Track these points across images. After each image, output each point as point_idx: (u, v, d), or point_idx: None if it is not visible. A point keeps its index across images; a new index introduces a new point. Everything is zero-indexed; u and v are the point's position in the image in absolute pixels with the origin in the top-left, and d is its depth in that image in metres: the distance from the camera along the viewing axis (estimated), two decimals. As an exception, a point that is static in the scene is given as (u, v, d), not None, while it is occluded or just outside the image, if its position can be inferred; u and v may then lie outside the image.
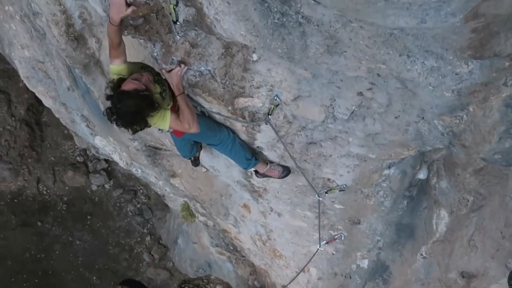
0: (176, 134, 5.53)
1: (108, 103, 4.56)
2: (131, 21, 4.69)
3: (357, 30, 3.53)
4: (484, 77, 3.68)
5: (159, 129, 5.29)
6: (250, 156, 5.94)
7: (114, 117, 4.54)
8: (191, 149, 6.23)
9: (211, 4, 4.13)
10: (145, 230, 14.77)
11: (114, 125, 4.69)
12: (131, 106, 4.44)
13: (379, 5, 2.77)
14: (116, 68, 4.70)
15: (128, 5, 4.38)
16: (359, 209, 6.53)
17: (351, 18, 3.38)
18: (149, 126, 4.84)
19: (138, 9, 4.52)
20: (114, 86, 4.54)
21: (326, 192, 6.17)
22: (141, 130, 4.79)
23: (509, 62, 3.49)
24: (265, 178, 6.37)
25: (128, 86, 4.46)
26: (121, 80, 4.57)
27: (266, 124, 5.33)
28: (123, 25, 4.61)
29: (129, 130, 4.73)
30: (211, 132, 5.62)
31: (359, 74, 4.27)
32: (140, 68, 4.89)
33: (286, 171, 6.15)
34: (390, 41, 3.52)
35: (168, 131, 5.30)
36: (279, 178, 6.23)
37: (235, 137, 5.79)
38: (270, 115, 5.21)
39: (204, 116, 5.71)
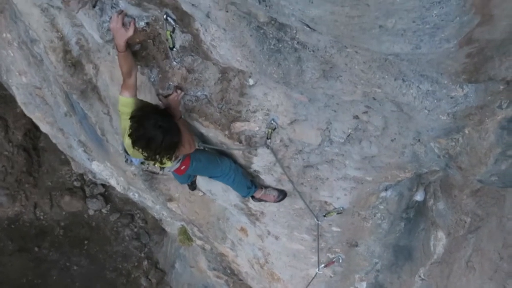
0: (178, 172, 5.52)
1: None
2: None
3: (352, 55, 3.56)
4: (479, 101, 3.70)
5: (161, 169, 5.30)
6: (250, 184, 5.94)
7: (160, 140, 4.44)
8: (189, 176, 6.24)
9: (207, 31, 4.16)
10: (143, 255, 14.69)
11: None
12: (175, 126, 4.54)
13: (374, 32, 2.80)
14: (124, 99, 4.65)
15: (127, 28, 4.42)
16: (357, 232, 6.52)
17: (346, 44, 3.41)
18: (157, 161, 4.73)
19: (135, 35, 4.55)
20: (140, 111, 4.53)
21: (324, 216, 6.17)
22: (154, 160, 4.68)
23: (503, 86, 3.52)
24: (262, 202, 6.36)
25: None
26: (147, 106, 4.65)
27: (268, 148, 5.34)
28: (130, 50, 4.60)
29: (154, 155, 4.61)
30: (213, 166, 5.64)
31: (355, 98, 4.29)
32: None
33: (281, 195, 6.15)
34: (385, 66, 3.55)
35: (169, 171, 5.34)
36: (274, 202, 6.23)
37: (237, 167, 5.80)
38: (269, 139, 5.23)
39: (204, 151, 5.71)
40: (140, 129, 4.38)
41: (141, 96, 5.09)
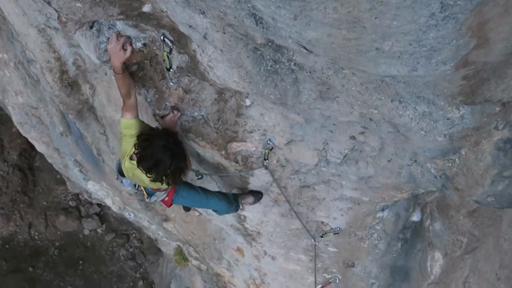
0: (164, 203, 5.52)
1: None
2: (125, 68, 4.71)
3: (349, 77, 3.58)
4: (475, 122, 3.71)
5: (147, 197, 5.28)
6: (235, 206, 5.98)
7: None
8: None
9: (204, 52, 4.17)
10: (138, 275, 14.60)
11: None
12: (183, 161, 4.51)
13: (371, 54, 2.81)
14: (126, 122, 4.58)
15: (124, 49, 4.37)
16: (353, 252, 6.50)
17: (343, 65, 3.42)
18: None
19: (132, 56, 4.56)
20: (147, 133, 4.48)
21: (321, 236, 6.15)
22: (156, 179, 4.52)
23: (499, 107, 3.54)
24: (258, 223, 6.36)
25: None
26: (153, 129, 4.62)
27: (266, 169, 5.34)
28: (127, 72, 4.55)
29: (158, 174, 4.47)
30: (199, 203, 5.78)
31: (351, 119, 4.30)
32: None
33: (257, 198, 6.13)
34: (382, 87, 3.56)
35: (155, 200, 5.35)
36: (251, 205, 6.24)
37: (225, 200, 5.80)
38: (266, 159, 5.22)
39: (191, 186, 5.63)
40: (149, 149, 4.31)
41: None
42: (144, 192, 5.22)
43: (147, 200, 5.33)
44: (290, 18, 2.67)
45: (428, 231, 6.32)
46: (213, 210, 5.97)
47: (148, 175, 4.41)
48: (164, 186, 4.65)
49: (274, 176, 5.43)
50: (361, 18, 2.52)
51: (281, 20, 2.73)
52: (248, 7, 2.87)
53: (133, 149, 4.44)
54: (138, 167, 4.43)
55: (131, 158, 4.60)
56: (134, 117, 4.59)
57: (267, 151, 5.13)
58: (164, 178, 4.42)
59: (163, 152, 4.28)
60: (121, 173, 5.16)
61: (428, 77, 3.00)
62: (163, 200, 5.37)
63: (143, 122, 4.73)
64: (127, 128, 4.57)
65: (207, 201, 5.59)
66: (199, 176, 5.62)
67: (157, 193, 5.21)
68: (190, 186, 5.59)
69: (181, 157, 4.45)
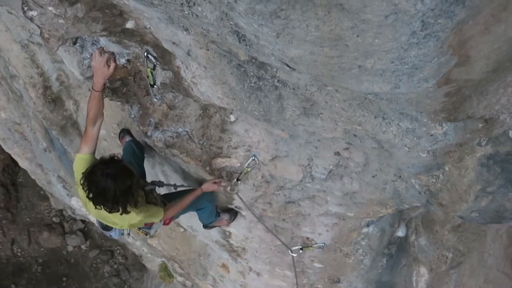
0: (165, 224, 5.47)
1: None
2: (108, 84, 4.68)
3: (333, 94, 3.58)
4: (458, 138, 3.73)
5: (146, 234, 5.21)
6: (217, 213, 5.97)
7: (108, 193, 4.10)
8: None
9: (188, 68, 4.17)
10: (122, 292, 14.49)
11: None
12: (127, 184, 4.10)
13: (353, 72, 2.82)
14: (79, 157, 4.36)
15: (108, 65, 4.27)
16: (339, 268, 6.48)
17: (326, 82, 3.43)
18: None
19: (116, 72, 4.53)
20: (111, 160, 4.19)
21: (301, 249, 6.11)
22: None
23: (482, 124, 3.56)
24: (243, 239, 6.33)
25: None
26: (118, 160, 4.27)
27: (234, 192, 5.41)
28: (103, 95, 4.40)
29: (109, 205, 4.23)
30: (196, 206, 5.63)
31: (335, 135, 4.31)
32: None
33: (233, 217, 6.15)
34: (365, 104, 3.57)
35: (155, 231, 5.30)
36: (228, 225, 6.24)
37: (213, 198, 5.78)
38: (239, 180, 5.21)
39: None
40: (92, 186, 4.05)
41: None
42: (139, 232, 5.12)
43: (148, 236, 5.24)
44: (272, 36, 2.67)
45: (413, 246, 6.33)
46: (198, 210, 5.78)
47: (106, 208, 4.19)
48: (137, 218, 4.47)
49: (257, 192, 5.42)
50: (343, 36, 2.53)
51: (264, 37, 2.73)
52: (230, 24, 2.87)
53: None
54: (95, 208, 4.22)
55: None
56: (90, 152, 4.37)
57: (246, 169, 5.11)
58: (117, 204, 4.15)
59: (103, 181, 4.01)
60: (102, 226, 5.04)
61: (410, 94, 3.02)
62: (164, 224, 5.30)
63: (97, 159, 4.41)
64: (79, 166, 4.30)
65: (197, 200, 5.42)
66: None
67: (154, 225, 5.09)
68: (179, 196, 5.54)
69: (123, 176, 4.10)
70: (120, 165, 4.17)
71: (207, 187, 5.18)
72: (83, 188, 4.11)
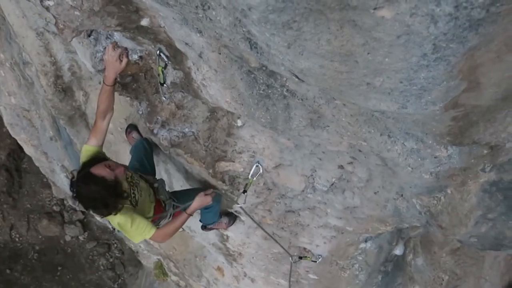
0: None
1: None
2: (119, 79, 4.70)
3: (340, 108, 3.58)
4: (462, 162, 3.72)
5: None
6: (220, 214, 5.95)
7: (74, 194, 4.18)
8: None
9: (199, 70, 4.18)
10: (116, 286, 14.45)
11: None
12: (92, 192, 4.08)
13: (362, 88, 2.81)
14: (86, 148, 4.42)
15: (120, 60, 4.29)
16: (334, 281, 6.46)
17: (335, 96, 3.43)
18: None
19: (127, 67, 4.54)
20: (85, 164, 4.25)
21: (300, 258, 6.10)
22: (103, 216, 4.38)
23: (487, 150, 3.54)
24: (241, 244, 6.32)
25: (97, 170, 4.12)
26: (95, 160, 4.27)
27: (241, 208, 5.43)
28: (114, 89, 4.43)
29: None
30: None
31: (340, 148, 4.31)
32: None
33: (232, 221, 6.16)
34: (372, 121, 3.56)
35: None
36: (226, 228, 6.22)
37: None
38: (246, 191, 5.19)
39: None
40: (83, 198, 4.17)
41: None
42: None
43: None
44: (283, 46, 2.67)
45: (409, 265, 6.31)
46: (206, 208, 5.64)
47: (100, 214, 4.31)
48: (115, 220, 4.42)
49: (258, 199, 5.41)
50: (354, 52, 2.53)
51: (275, 47, 2.73)
52: (243, 31, 2.87)
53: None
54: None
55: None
56: (98, 144, 4.42)
57: (251, 179, 5.08)
58: (113, 205, 4.19)
59: (77, 192, 4.12)
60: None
61: (417, 115, 3.01)
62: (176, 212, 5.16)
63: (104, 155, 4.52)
64: (84, 157, 4.36)
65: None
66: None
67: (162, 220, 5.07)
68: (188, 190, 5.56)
69: (104, 184, 4.07)
70: (87, 171, 4.14)
71: (200, 203, 4.92)
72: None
